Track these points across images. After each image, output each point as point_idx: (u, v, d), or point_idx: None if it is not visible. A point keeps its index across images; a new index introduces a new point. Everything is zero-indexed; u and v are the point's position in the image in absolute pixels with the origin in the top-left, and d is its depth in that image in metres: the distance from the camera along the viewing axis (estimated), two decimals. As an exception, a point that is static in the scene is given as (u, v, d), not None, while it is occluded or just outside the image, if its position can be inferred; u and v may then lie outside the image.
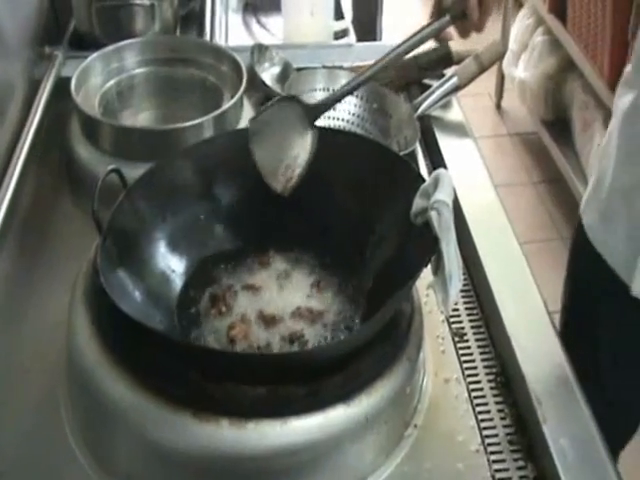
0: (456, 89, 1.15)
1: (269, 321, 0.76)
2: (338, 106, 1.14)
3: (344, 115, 1.13)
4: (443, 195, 0.70)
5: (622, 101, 0.87)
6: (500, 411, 0.78)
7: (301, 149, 0.80)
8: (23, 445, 0.75)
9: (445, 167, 1.06)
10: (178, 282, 0.80)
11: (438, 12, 0.84)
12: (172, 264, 0.80)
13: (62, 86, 1.11)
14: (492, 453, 0.75)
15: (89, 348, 0.71)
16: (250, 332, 0.74)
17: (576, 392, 0.77)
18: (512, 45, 2.60)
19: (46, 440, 0.75)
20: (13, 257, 0.94)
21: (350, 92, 0.84)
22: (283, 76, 1.22)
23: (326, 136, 0.86)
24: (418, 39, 0.83)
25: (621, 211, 0.88)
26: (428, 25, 0.84)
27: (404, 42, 0.82)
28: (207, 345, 0.73)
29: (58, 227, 0.99)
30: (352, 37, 1.39)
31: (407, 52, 0.83)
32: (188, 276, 0.81)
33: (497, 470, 0.73)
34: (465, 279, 0.92)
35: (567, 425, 0.73)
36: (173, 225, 0.81)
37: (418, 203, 0.74)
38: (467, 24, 0.85)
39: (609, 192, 0.90)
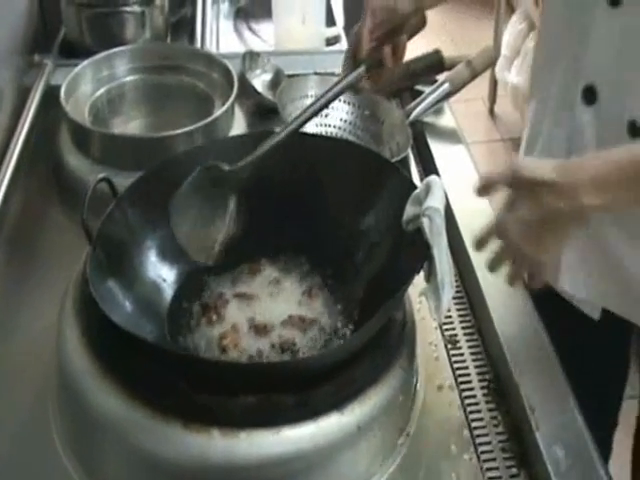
0: (448, 95, 1.16)
1: (260, 330, 0.76)
2: (330, 112, 1.14)
3: (335, 122, 1.13)
4: (435, 202, 0.71)
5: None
6: (493, 418, 0.79)
7: (223, 217, 0.79)
8: (11, 454, 0.74)
9: (437, 173, 1.06)
10: (169, 291, 0.80)
11: (353, 64, 0.84)
12: (162, 273, 0.80)
13: (52, 94, 1.11)
14: (485, 461, 0.75)
15: (79, 358, 0.71)
16: (241, 341, 0.74)
17: (569, 400, 0.77)
18: (504, 50, 2.61)
19: (34, 450, 0.75)
20: (1, 267, 0.94)
21: (271, 150, 0.79)
22: (275, 83, 1.23)
23: (317, 143, 0.86)
24: (335, 93, 0.82)
25: None
26: (343, 77, 0.84)
27: (320, 98, 0.82)
28: (198, 354, 0.73)
29: (47, 236, 0.99)
30: (344, 43, 1.40)
31: (323, 107, 0.82)
32: (179, 285, 0.81)
33: (490, 478, 0.73)
34: (457, 286, 0.93)
35: (560, 433, 0.73)
36: (164, 234, 0.81)
37: (409, 210, 0.74)
38: (382, 72, 0.85)
39: None
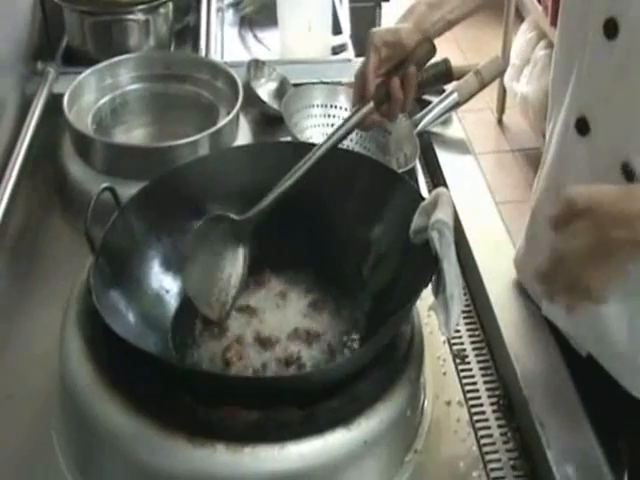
0: (456, 105, 1.17)
1: (265, 343, 0.76)
2: (337, 123, 1.15)
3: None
4: (443, 214, 0.71)
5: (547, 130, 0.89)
6: (503, 435, 0.79)
7: (233, 268, 0.79)
8: (13, 468, 0.75)
9: (445, 184, 1.06)
10: (173, 303, 0.81)
11: (361, 98, 0.84)
12: (166, 284, 0.81)
13: (54, 103, 1.12)
14: (495, 479, 0.75)
15: (82, 371, 0.71)
16: (246, 354, 0.75)
17: (581, 416, 0.77)
18: (514, 59, 2.63)
19: (37, 466, 0.75)
20: (3, 277, 0.95)
21: (281, 195, 0.79)
22: (280, 92, 1.24)
23: (324, 154, 0.87)
24: (344, 131, 0.82)
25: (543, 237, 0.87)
26: (353, 115, 0.83)
27: (331, 136, 0.82)
28: (202, 368, 0.74)
29: (50, 246, 1.00)
30: (350, 52, 1.41)
31: (335, 145, 0.82)
32: (183, 297, 0.81)
33: (500, 496, 0.74)
34: (466, 299, 0.93)
35: (572, 451, 0.74)
36: (167, 244, 0.82)
37: (417, 222, 0.74)
38: (392, 107, 0.85)
39: (532, 217, 0.90)
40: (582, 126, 0.78)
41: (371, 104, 0.83)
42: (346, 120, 0.84)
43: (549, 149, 0.85)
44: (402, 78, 0.84)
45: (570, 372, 0.80)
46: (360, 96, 0.84)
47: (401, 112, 0.86)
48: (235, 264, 0.79)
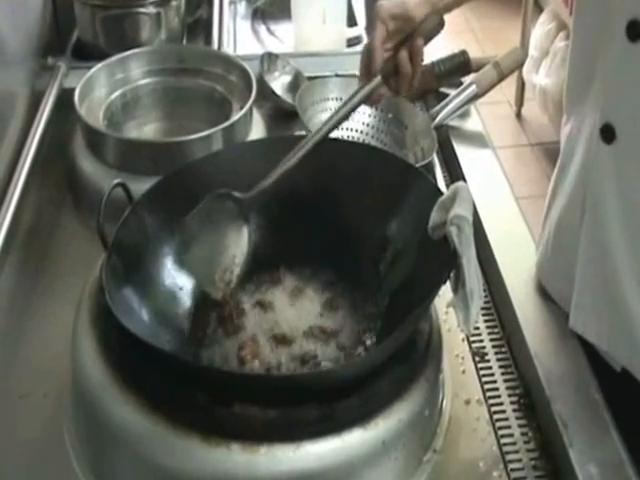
0: (475, 97, 1.16)
1: (280, 341, 0.76)
2: (352, 116, 1.15)
3: (358, 126, 1.13)
4: (462, 210, 0.71)
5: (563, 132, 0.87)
6: (524, 435, 0.78)
7: (237, 247, 0.78)
8: (25, 467, 0.75)
9: (464, 179, 1.06)
10: (186, 300, 0.81)
11: (367, 73, 0.83)
12: (180, 281, 0.81)
13: (65, 98, 1.12)
14: (516, 479, 0.74)
15: (94, 369, 0.72)
16: (261, 352, 0.75)
17: (604, 415, 0.77)
18: (532, 51, 2.61)
19: (49, 465, 0.76)
20: (15, 274, 0.95)
21: (285, 173, 0.79)
22: (294, 85, 1.24)
23: (339, 148, 0.87)
24: (352, 105, 0.81)
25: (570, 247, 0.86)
26: (360, 89, 0.83)
27: (338, 110, 0.81)
28: (217, 366, 0.74)
29: (61, 243, 1.00)
30: (366, 44, 1.40)
31: (342, 121, 0.81)
32: (196, 294, 0.81)
33: (521, 497, 0.74)
34: (486, 296, 0.93)
35: (595, 450, 0.73)
36: (181, 240, 0.82)
37: (435, 217, 0.74)
38: (400, 81, 0.84)
39: (558, 226, 0.89)
40: (607, 133, 0.76)
41: (378, 78, 0.83)
42: (353, 94, 0.83)
43: (572, 159, 0.83)
44: (410, 51, 0.84)
45: (603, 387, 0.79)
46: (367, 70, 0.84)
47: (409, 86, 0.85)
48: (239, 243, 0.79)
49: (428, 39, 0.85)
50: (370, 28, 0.84)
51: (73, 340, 0.76)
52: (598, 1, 0.76)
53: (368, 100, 0.84)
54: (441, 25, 0.86)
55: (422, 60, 0.85)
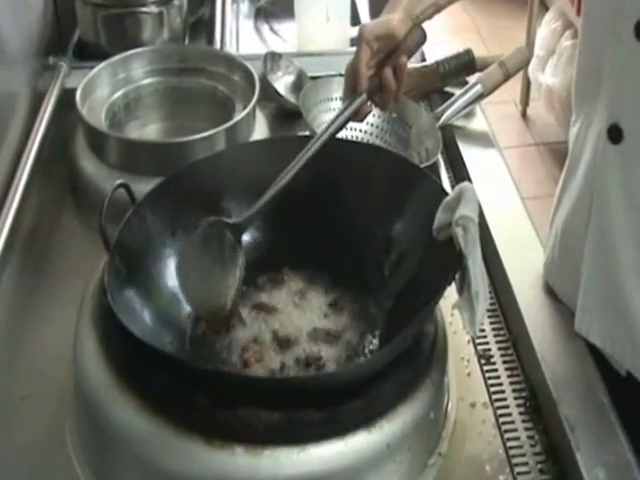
0: (480, 97, 1.16)
1: (284, 343, 0.77)
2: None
3: (362, 125, 1.13)
4: (468, 210, 0.71)
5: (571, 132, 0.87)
6: (530, 438, 0.78)
7: (229, 272, 0.79)
8: (26, 470, 0.76)
9: (469, 179, 1.06)
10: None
11: (352, 93, 0.84)
12: (182, 283, 0.81)
13: (67, 98, 1.13)
14: (522, 483, 0.75)
15: (96, 371, 0.72)
16: (264, 354, 0.75)
17: (611, 418, 0.77)
18: (538, 50, 2.61)
19: (51, 468, 0.76)
20: (16, 276, 0.96)
21: (275, 197, 0.79)
22: (297, 85, 1.24)
23: (342, 148, 0.87)
24: (338, 124, 0.83)
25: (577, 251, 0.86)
26: (345, 108, 0.84)
27: (326, 130, 0.82)
28: (220, 368, 0.74)
29: (63, 244, 1.01)
30: (369, 44, 1.40)
31: (330, 138, 0.82)
32: (199, 296, 0.81)
33: (527, 501, 0.74)
34: (491, 298, 0.93)
35: (602, 453, 0.73)
36: (183, 242, 0.82)
37: (441, 218, 0.74)
38: (385, 97, 0.85)
39: (564, 230, 0.89)
40: (615, 134, 0.76)
41: (363, 96, 0.84)
42: (339, 113, 0.84)
43: (579, 159, 0.83)
44: (394, 68, 0.85)
45: (609, 391, 0.79)
46: (352, 90, 0.85)
47: (394, 101, 0.87)
48: (232, 267, 0.79)
49: (411, 54, 0.87)
50: (357, 45, 0.84)
51: (75, 341, 0.76)
52: (606, 1, 0.76)
53: (355, 117, 0.85)
54: (423, 39, 0.88)
55: (405, 76, 0.86)
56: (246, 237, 0.85)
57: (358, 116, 0.86)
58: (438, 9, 0.89)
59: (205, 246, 0.79)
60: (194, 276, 0.79)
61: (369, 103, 0.85)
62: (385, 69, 0.84)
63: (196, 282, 0.79)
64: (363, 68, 0.83)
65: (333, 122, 0.83)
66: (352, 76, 0.84)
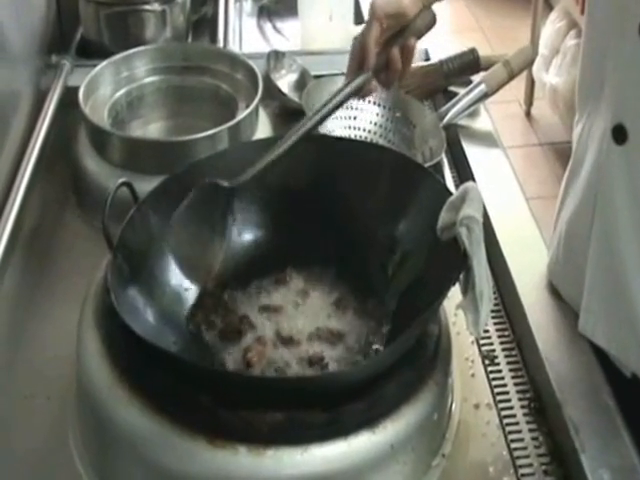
0: (484, 97, 1.16)
1: (287, 342, 0.76)
2: (359, 115, 1.15)
3: (365, 125, 1.14)
4: (472, 210, 0.71)
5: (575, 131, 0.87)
6: (534, 439, 0.78)
7: (221, 236, 0.79)
8: (29, 473, 0.76)
9: (473, 179, 1.06)
10: (191, 301, 0.81)
11: (358, 69, 0.84)
12: (185, 282, 0.81)
13: (69, 96, 1.13)
14: (526, 485, 0.74)
15: (99, 371, 0.72)
16: (267, 354, 0.75)
17: (616, 419, 0.76)
18: (542, 50, 2.61)
19: (53, 468, 0.76)
20: (19, 274, 0.96)
21: (270, 166, 0.79)
22: (301, 84, 1.24)
23: (346, 147, 0.87)
24: (340, 99, 0.82)
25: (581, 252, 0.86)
26: (349, 83, 0.83)
27: (325, 104, 0.82)
28: (222, 368, 0.74)
29: (66, 243, 1.01)
30: (373, 42, 1.40)
31: (329, 114, 0.81)
32: (202, 294, 0.81)
33: (531, 503, 0.73)
34: (495, 298, 0.92)
35: (607, 455, 0.73)
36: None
37: (445, 217, 0.74)
38: (390, 75, 0.85)
39: (568, 231, 0.89)
40: (619, 134, 0.76)
41: (369, 73, 0.83)
42: (343, 87, 0.84)
43: (583, 159, 0.83)
44: (402, 49, 0.84)
45: (614, 392, 0.79)
46: (358, 66, 0.84)
47: (399, 81, 0.87)
48: (224, 231, 0.80)
49: (420, 36, 0.86)
50: (366, 21, 0.83)
51: (78, 341, 0.76)
52: (610, 0, 0.76)
53: (358, 94, 0.85)
54: (433, 22, 0.87)
55: (412, 58, 0.86)
56: (249, 236, 0.85)
57: (362, 93, 0.85)
58: None
59: (197, 209, 0.79)
60: (185, 239, 0.79)
61: (374, 82, 0.85)
62: (393, 49, 0.84)
63: (187, 245, 0.79)
64: (371, 44, 0.82)
65: (336, 95, 0.82)
66: (359, 52, 0.84)
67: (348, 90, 0.83)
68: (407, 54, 0.84)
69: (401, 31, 0.84)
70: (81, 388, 0.75)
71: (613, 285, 0.81)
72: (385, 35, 0.84)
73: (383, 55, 0.84)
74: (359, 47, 0.84)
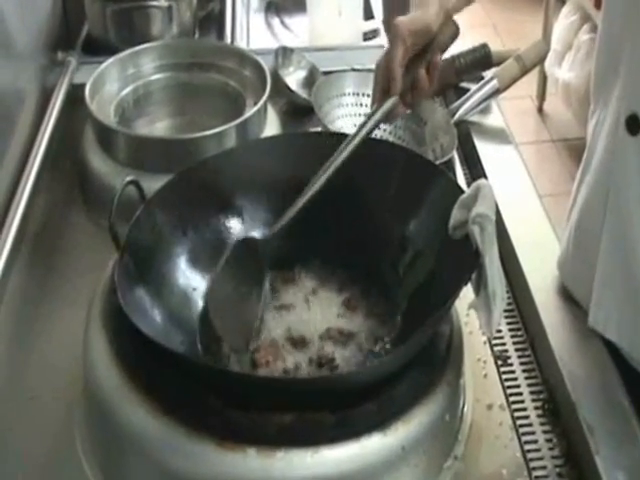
0: (496, 92, 1.16)
1: (297, 343, 0.77)
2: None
3: (375, 121, 1.13)
4: (485, 208, 0.71)
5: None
6: (548, 441, 0.78)
7: (258, 296, 0.79)
8: (35, 474, 0.76)
9: (485, 176, 1.06)
10: (200, 301, 0.81)
11: (385, 93, 0.82)
12: (193, 281, 0.81)
13: (75, 94, 1.13)
14: (540, 487, 0.74)
15: (107, 371, 0.72)
16: (277, 355, 0.75)
17: (632, 420, 0.76)
18: (555, 45, 2.60)
19: (60, 469, 0.76)
20: (25, 274, 0.96)
21: (302, 211, 0.79)
22: (309, 80, 1.24)
23: (356, 145, 0.87)
24: (369, 127, 0.81)
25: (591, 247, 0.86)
26: (377, 109, 0.82)
27: (355, 135, 0.80)
28: (231, 368, 0.74)
29: (72, 243, 1.01)
30: (383, 37, 1.40)
31: (359, 145, 0.80)
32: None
33: (546, 505, 0.73)
34: (508, 298, 0.92)
35: (622, 456, 0.73)
36: (194, 240, 0.82)
37: (457, 215, 0.74)
38: (417, 95, 0.84)
39: (578, 224, 0.89)
40: (633, 124, 0.76)
41: (395, 98, 0.82)
42: (371, 115, 0.82)
43: (595, 151, 0.83)
44: (428, 67, 0.83)
45: (628, 392, 0.79)
46: (385, 90, 0.83)
47: (425, 100, 0.87)
48: (261, 289, 0.79)
49: (445, 49, 0.85)
50: (389, 19, 0.82)
51: (85, 341, 0.76)
52: None
53: (387, 119, 0.84)
54: (457, 33, 0.86)
55: (438, 75, 0.84)
56: (257, 234, 0.85)
57: (390, 118, 0.84)
58: (469, 0, 0.87)
59: (234, 267, 0.78)
60: (225, 302, 0.77)
61: (401, 104, 0.83)
62: (419, 70, 0.82)
63: (225, 306, 0.77)
64: (397, 67, 0.80)
65: (364, 125, 0.81)
66: (385, 76, 0.82)
67: (377, 117, 0.82)
68: (433, 71, 0.83)
69: (425, 48, 0.83)
70: (88, 389, 0.76)
71: (625, 278, 0.80)
72: (409, 54, 0.82)
73: (409, 76, 0.82)
74: (384, 71, 0.82)
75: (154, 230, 0.79)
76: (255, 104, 1.06)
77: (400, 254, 0.82)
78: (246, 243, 0.80)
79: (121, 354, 0.72)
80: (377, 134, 1.13)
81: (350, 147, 0.80)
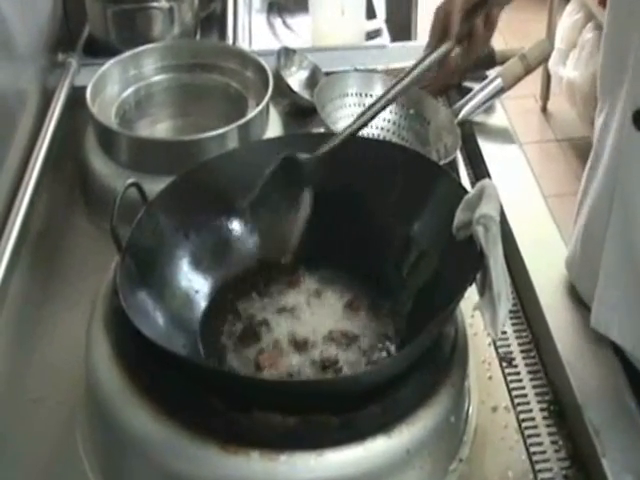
0: (500, 92, 1.16)
1: (300, 345, 0.76)
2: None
3: (378, 122, 1.13)
4: (489, 209, 0.70)
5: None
6: (554, 443, 0.78)
7: (298, 212, 0.80)
8: (37, 477, 0.76)
9: (489, 176, 1.06)
10: (202, 303, 0.81)
11: (441, 36, 0.84)
12: (195, 284, 0.81)
13: (77, 95, 1.13)
14: (546, 490, 0.74)
15: (109, 374, 0.72)
16: (280, 357, 0.75)
17: (639, 422, 0.76)
18: (559, 43, 2.60)
19: (61, 472, 0.76)
20: (26, 277, 0.96)
21: (349, 137, 0.82)
22: (312, 81, 1.24)
23: (358, 145, 0.87)
24: (423, 68, 0.82)
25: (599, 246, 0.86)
26: (431, 52, 0.83)
27: (407, 74, 0.82)
28: (234, 371, 0.74)
29: (73, 245, 1.01)
30: (386, 37, 1.41)
31: (412, 83, 0.82)
32: (212, 297, 0.81)
33: (552, 508, 0.73)
34: (513, 299, 0.92)
35: (629, 459, 0.73)
36: (196, 242, 0.82)
37: (461, 216, 0.74)
38: (472, 44, 0.86)
39: (587, 225, 0.89)
40: (639, 119, 0.76)
41: (451, 42, 0.84)
42: (426, 55, 0.84)
43: (602, 150, 0.83)
44: (485, 19, 0.85)
45: (632, 390, 0.79)
46: (442, 33, 0.84)
47: (481, 50, 0.88)
48: (300, 207, 0.81)
49: (503, 6, 0.87)
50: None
51: (87, 344, 0.76)
52: None
53: (442, 62, 0.86)
54: None
55: (495, 27, 0.87)
56: (260, 239, 0.85)
57: (444, 64, 0.86)
58: None
59: (277, 183, 0.80)
60: (267, 212, 0.80)
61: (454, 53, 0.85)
62: (477, 20, 0.84)
63: (268, 217, 0.80)
64: (456, 11, 0.83)
65: (419, 63, 0.83)
66: (444, 18, 0.84)
67: (433, 57, 0.83)
68: (490, 24, 0.85)
69: (483, 2, 0.85)
70: (90, 392, 0.76)
71: (629, 277, 0.80)
72: (469, 3, 0.84)
73: (466, 24, 0.84)
74: (443, 14, 0.84)
75: (156, 232, 0.79)
76: (257, 105, 1.06)
77: (404, 255, 0.82)
78: (291, 161, 0.80)
79: (123, 356, 0.72)
80: (380, 135, 1.13)
81: (399, 86, 0.82)
